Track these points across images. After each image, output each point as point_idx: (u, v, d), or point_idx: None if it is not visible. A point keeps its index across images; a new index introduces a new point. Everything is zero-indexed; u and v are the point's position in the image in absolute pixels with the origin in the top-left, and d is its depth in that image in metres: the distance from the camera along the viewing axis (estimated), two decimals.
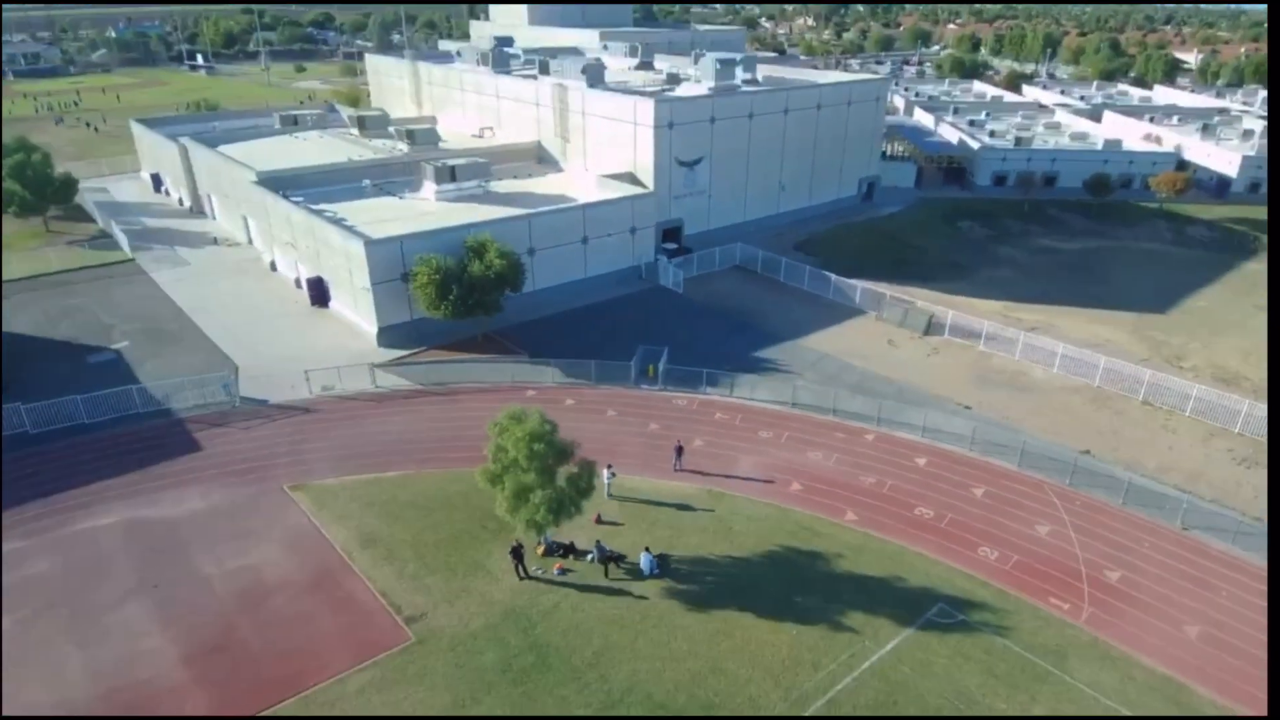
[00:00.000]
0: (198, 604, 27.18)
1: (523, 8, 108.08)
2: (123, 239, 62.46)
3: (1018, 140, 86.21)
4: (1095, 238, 71.26)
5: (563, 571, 28.70)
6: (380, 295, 44.62)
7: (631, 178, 59.49)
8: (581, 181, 60.68)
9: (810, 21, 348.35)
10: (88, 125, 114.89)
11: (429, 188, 55.87)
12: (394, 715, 22.87)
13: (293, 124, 76.35)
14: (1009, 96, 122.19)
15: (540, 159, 67.38)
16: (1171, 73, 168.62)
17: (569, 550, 29.48)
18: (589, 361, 42.54)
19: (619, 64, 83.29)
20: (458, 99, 77.43)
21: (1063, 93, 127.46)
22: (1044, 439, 37.88)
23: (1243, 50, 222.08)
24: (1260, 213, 77.64)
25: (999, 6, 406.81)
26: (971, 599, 27.73)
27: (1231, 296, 59.40)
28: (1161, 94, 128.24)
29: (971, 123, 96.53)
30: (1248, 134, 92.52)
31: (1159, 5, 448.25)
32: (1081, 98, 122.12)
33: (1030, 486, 34.36)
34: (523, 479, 26.28)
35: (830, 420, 39.35)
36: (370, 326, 45.81)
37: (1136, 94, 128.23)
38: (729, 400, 40.93)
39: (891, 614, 26.90)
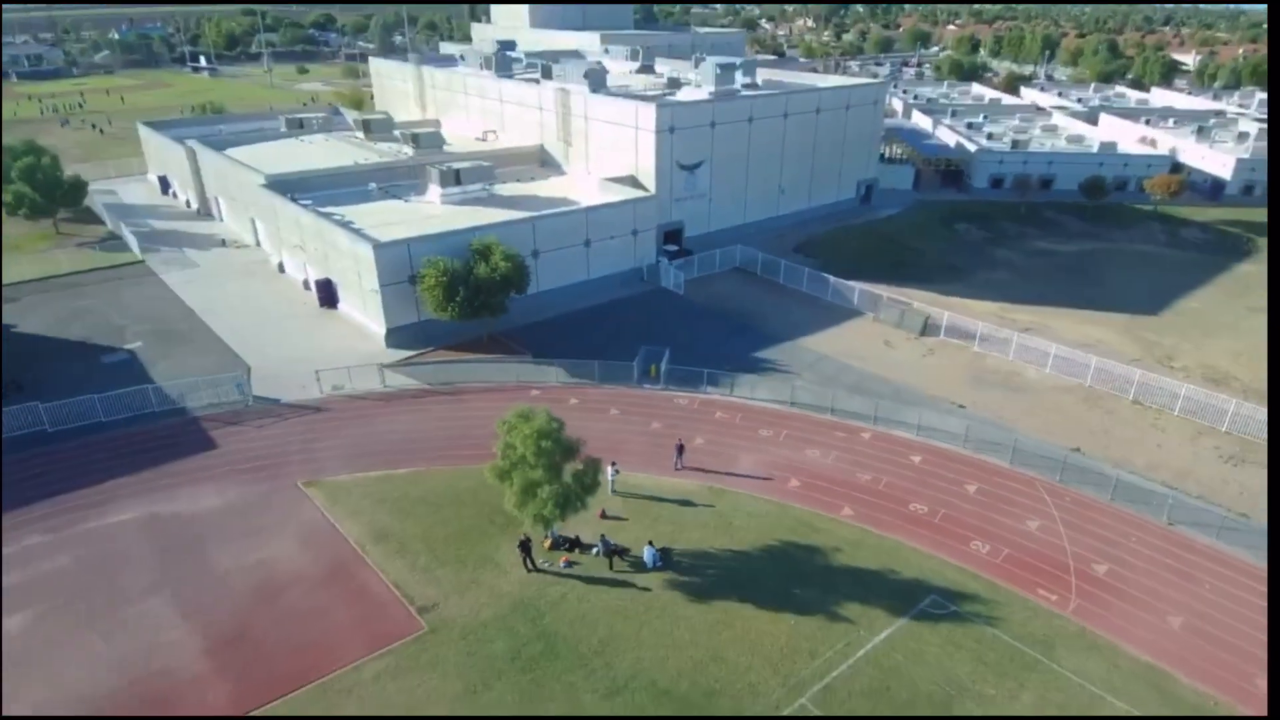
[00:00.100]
0: (217, 596, 28.18)
1: (524, 11, 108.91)
2: (132, 241, 63.45)
3: (1014, 143, 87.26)
4: (1090, 240, 72.26)
5: (569, 564, 29.73)
6: (388, 297, 45.62)
7: (633, 181, 60.51)
8: (584, 185, 61.69)
9: (810, 23, 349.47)
10: (94, 127, 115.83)
11: (434, 191, 56.86)
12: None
13: (298, 127, 77.35)
14: (1007, 99, 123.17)
15: (543, 162, 68.40)
16: (1169, 75, 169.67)
17: (575, 544, 30.50)
18: (592, 362, 43.53)
19: (620, 67, 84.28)
20: (461, 102, 78.45)
21: (1060, 95, 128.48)
22: (1036, 437, 38.91)
23: (1240, 51, 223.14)
24: (1253, 214, 78.70)
25: (998, 7, 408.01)
26: (963, 591, 28.76)
27: (1224, 298, 60.38)
28: (1158, 96, 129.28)
29: (969, 125, 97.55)
30: (1242, 136, 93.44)
31: (1158, 5, 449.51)
32: (1079, 100, 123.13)
33: (1022, 483, 35.37)
34: (531, 475, 27.29)
35: (828, 419, 40.35)
36: (378, 327, 46.82)
37: (1134, 96, 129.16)
38: (729, 400, 41.92)
39: (886, 605, 27.93)
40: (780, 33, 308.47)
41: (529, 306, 49.40)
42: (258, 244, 63.25)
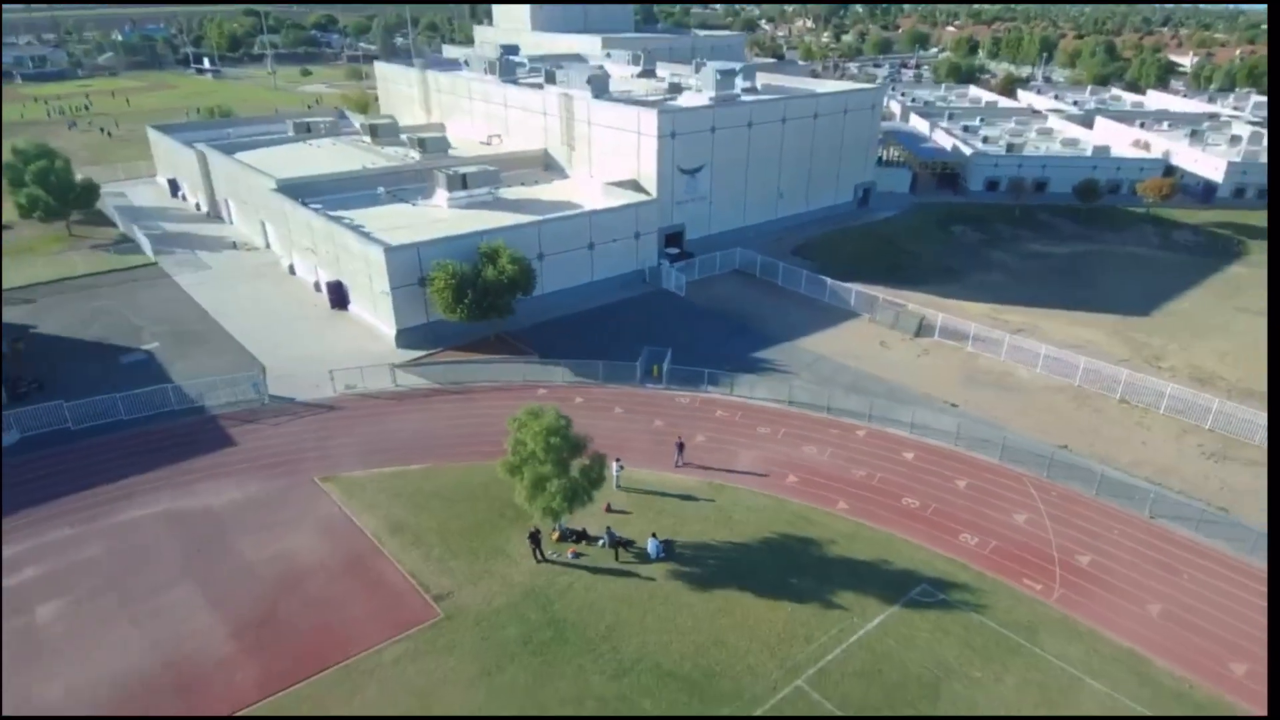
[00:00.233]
0: (241, 585, 29.59)
1: (525, 13, 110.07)
2: (145, 243, 64.81)
3: (1009, 147, 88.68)
4: (1083, 242, 73.64)
5: (576, 555, 31.15)
6: (399, 299, 47.01)
7: (635, 185, 61.91)
8: (587, 188, 63.07)
9: (809, 24, 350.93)
10: (102, 130, 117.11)
11: (441, 195, 58.22)
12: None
13: (306, 131, 78.70)
14: (1004, 102, 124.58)
15: (547, 166, 69.80)
16: (1165, 77, 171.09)
17: (582, 536, 31.90)
18: (597, 362, 44.94)
19: (622, 71, 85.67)
20: (466, 107, 79.85)
21: (1057, 97, 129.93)
22: (1025, 435, 40.32)
23: (1238, 53, 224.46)
24: (1244, 217, 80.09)
25: (997, 8, 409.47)
26: (952, 580, 30.18)
27: (1213, 299, 61.74)
28: (1154, 99, 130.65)
29: (965, 129, 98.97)
30: (1235, 139, 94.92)
31: (1157, 6, 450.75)
32: (1075, 103, 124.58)
33: (1010, 479, 36.80)
34: (540, 470, 28.70)
35: (825, 418, 41.76)
36: (389, 328, 48.21)
37: (1129, 99, 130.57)
38: (729, 399, 43.32)
39: (878, 593, 29.36)
40: (780, 34, 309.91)
41: (535, 308, 50.80)
42: (268, 246, 64.64)
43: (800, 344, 50.48)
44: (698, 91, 72.49)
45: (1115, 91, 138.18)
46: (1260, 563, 32.03)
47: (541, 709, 24.56)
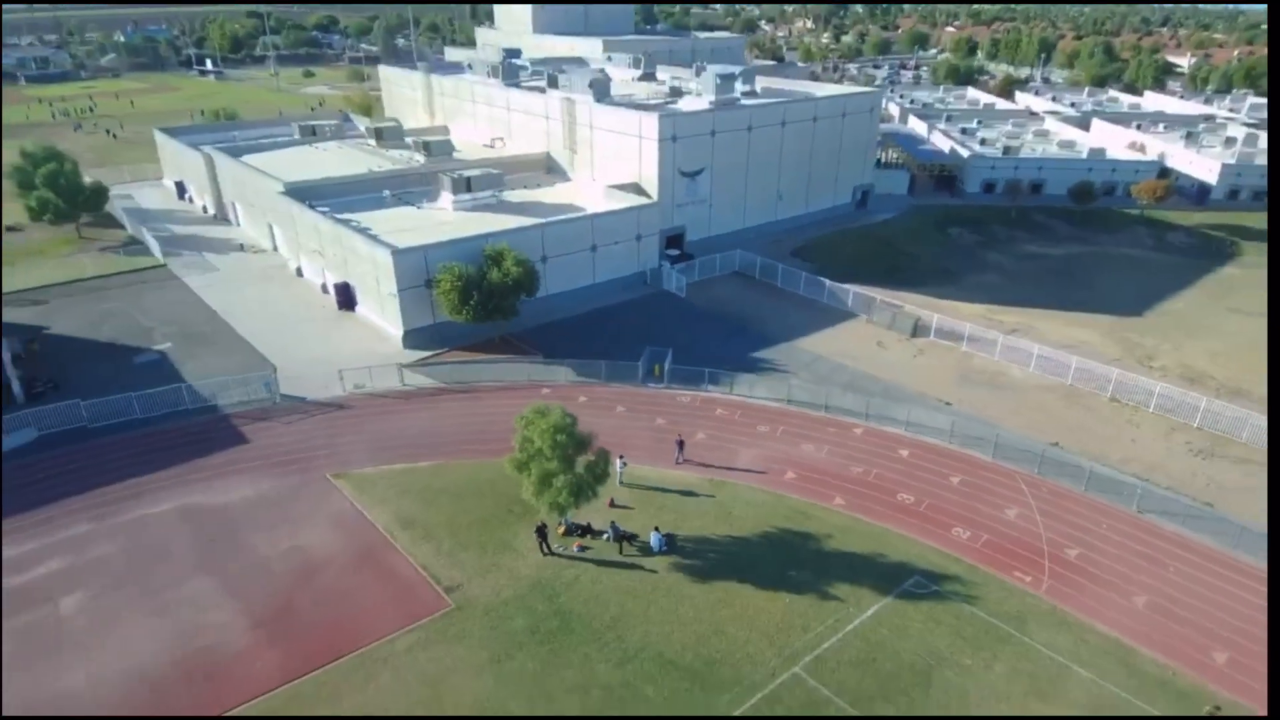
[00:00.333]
0: (258, 577, 30.61)
1: (527, 16, 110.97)
2: (154, 245, 65.82)
3: (1006, 149, 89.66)
4: (1079, 243, 74.67)
5: (582, 549, 32.18)
6: (406, 300, 48.04)
7: (636, 188, 62.94)
8: (589, 191, 64.10)
9: (809, 24, 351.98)
10: (108, 132, 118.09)
11: (446, 198, 59.26)
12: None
13: (311, 134, 79.65)
14: (1001, 104, 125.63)
15: (549, 169, 70.82)
16: (1162, 78, 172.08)
17: (587, 530, 32.94)
18: (599, 362, 45.97)
19: (622, 75, 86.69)
20: (469, 110, 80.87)
21: (1054, 100, 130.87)
22: (1018, 433, 41.35)
23: (1236, 54, 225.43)
24: (1237, 219, 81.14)
25: (997, 8, 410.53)
26: (945, 573, 31.21)
27: (1206, 300, 62.77)
28: (1151, 100, 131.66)
29: (963, 131, 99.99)
30: (1230, 141, 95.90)
31: (1156, 6, 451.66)
32: (1072, 104, 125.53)
33: (1002, 475, 37.83)
34: (547, 466, 29.74)
35: (822, 416, 42.78)
36: (396, 329, 49.24)
37: (1126, 101, 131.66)
38: (729, 398, 44.34)
39: (873, 585, 30.40)
40: (780, 34, 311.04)
41: (538, 309, 51.82)
42: (275, 249, 65.66)
43: (799, 344, 51.48)
44: (698, 95, 73.50)
45: (1112, 93, 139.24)
46: (1244, 556, 33.05)
47: (549, 696, 25.59)
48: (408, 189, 62.69)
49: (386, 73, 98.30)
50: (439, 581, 30.15)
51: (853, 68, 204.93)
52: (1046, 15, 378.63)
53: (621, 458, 36.10)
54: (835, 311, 56.53)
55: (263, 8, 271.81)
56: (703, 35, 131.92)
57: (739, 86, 73.43)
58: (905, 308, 55.40)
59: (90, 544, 32.74)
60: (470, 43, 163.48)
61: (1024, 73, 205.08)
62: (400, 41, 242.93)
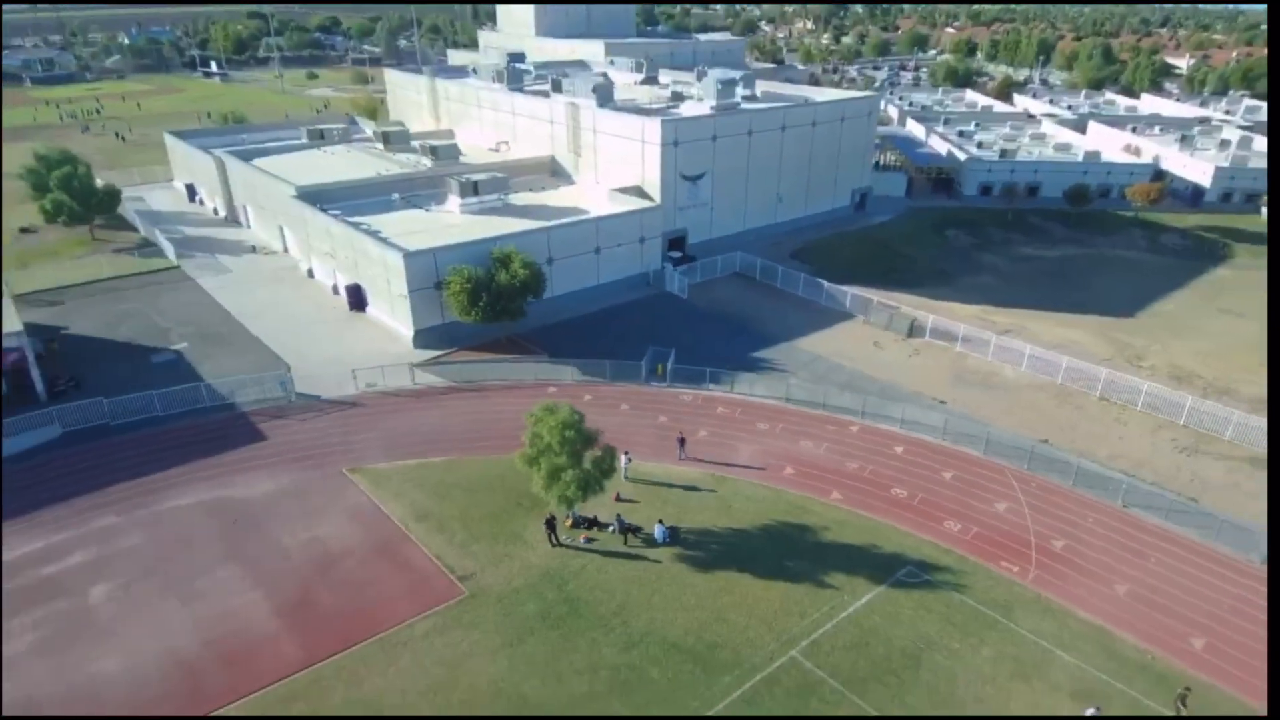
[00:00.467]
0: (280, 567, 32.07)
1: (529, 18, 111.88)
2: (168, 247, 67.24)
3: (1003, 152, 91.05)
4: (1074, 245, 76.08)
5: (589, 540, 33.67)
6: (416, 301, 49.47)
7: (639, 191, 64.38)
8: (593, 194, 65.54)
9: (809, 25, 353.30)
10: (117, 135, 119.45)
11: (454, 201, 60.70)
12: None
13: (319, 138, 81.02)
14: (999, 106, 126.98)
15: (554, 172, 72.25)
16: (1159, 81, 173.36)
17: (594, 522, 34.40)
18: (604, 361, 47.40)
19: (625, 79, 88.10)
20: (474, 114, 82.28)
21: (1051, 102, 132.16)
22: (1009, 430, 42.76)
23: (1234, 55, 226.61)
24: (1230, 221, 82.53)
25: (997, 8, 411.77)
26: (936, 563, 32.66)
27: (1198, 301, 64.19)
28: (1148, 103, 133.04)
29: (961, 134, 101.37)
30: (1224, 144, 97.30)
31: (1156, 6, 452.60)
32: (1069, 107, 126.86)
33: (993, 471, 39.28)
34: (556, 461, 31.17)
35: (820, 414, 44.21)
36: (406, 330, 50.67)
37: (1123, 103, 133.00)
38: (730, 396, 45.77)
39: (867, 575, 31.85)
40: (780, 35, 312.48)
41: (544, 310, 53.22)
42: (286, 251, 67.09)
43: (798, 344, 52.90)
44: (699, 100, 74.91)
45: (1109, 95, 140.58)
46: (1225, 548, 34.47)
47: (559, 677, 27.03)
48: (415, 192, 64.12)
49: (392, 76, 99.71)
50: (453, 571, 31.61)
51: (852, 70, 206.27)
52: (1046, 16, 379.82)
53: (626, 454, 37.53)
54: (833, 312, 57.94)
55: (266, 8, 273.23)
56: (704, 38, 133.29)
57: (739, 91, 74.82)
58: (902, 309, 56.81)
59: (117, 535, 34.16)
60: (472, 44, 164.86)
61: (1023, 74, 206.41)
62: (403, 43, 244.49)
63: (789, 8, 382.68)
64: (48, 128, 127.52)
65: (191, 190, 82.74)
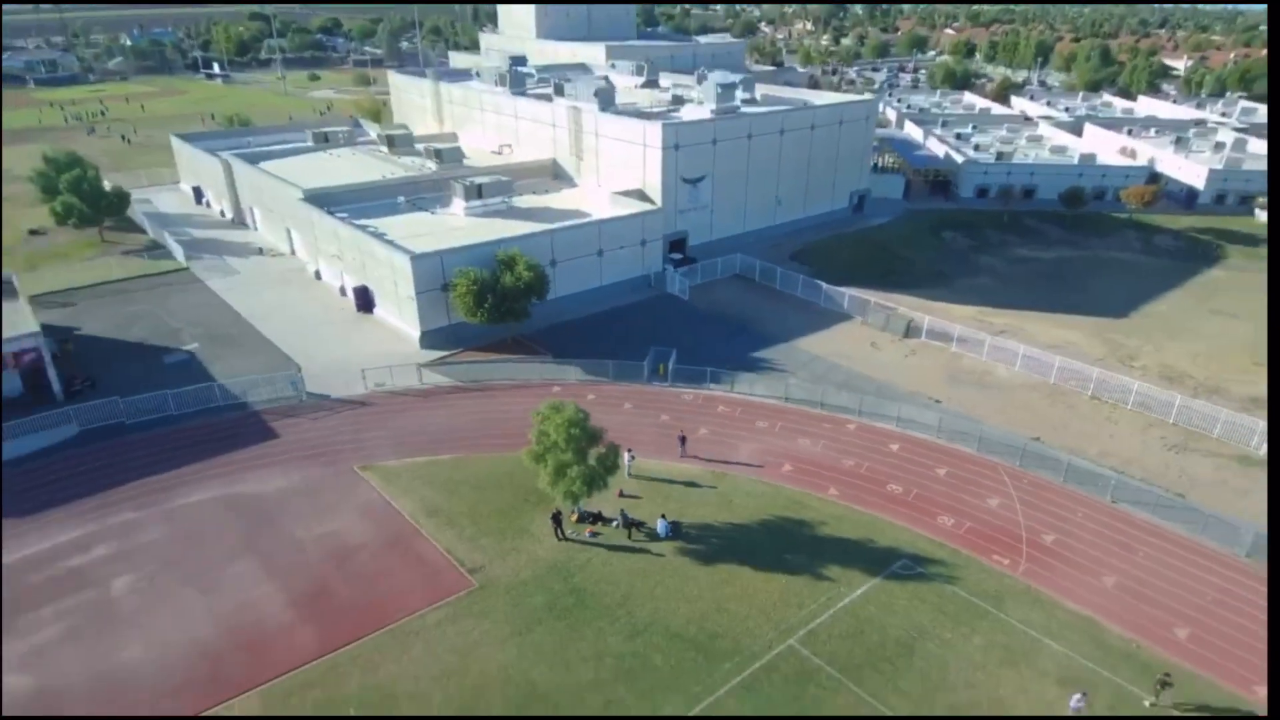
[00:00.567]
0: (295, 560, 33.16)
1: (530, 21, 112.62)
2: (177, 249, 68.31)
3: (999, 155, 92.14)
4: (1069, 247, 77.12)
5: (594, 534, 34.78)
6: (423, 303, 50.56)
7: (640, 194, 65.50)
8: (594, 197, 66.64)
9: (809, 26, 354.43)
10: (122, 138, 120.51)
11: (458, 204, 61.82)
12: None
13: (324, 141, 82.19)
14: (996, 109, 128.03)
15: (556, 175, 73.36)
16: (1157, 82, 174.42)
17: (598, 517, 35.50)
18: (607, 361, 48.51)
19: (626, 82, 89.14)
20: (477, 117, 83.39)
21: (1049, 104, 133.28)
22: (1002, 428, 43.85)
23: (1232, 56, 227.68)
24: (1224, 222, 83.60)
25: (996, 9, 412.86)
26: (929, 556, 33.76)
27: (1191, 302, 65.19)
28: (1144, 105, 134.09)
29: (958, 136, 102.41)
30: (1219, 146, 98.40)
31: (1156, 6, 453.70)
32: (1066, 109, 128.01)
33: (986, 468, 40.37)
34: (562, 458, 32.27)
35: (818, 413, 45.31)
36: (413, 331, 51.76)
37: (1120, 105, 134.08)
38: (730, 395, 46.86)
39: (863, 567, 32.95)
40: (779, 36, 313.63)
41: (548, 311, 54.28)
42: (293, 252, 68.16)
43: (796, 345, 53.98)
44: (699, 104, 76.01)
45: (1106, 98, 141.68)
46: (1211, 543, 35.52)
47: (567, 664, 28.11)
48: (420, 195, 65.20)
49: (396, 80, 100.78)
50: (463, 564, 32.71)
51: (851, 71, 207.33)
52: (1045, 17, 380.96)
53: (630, 451, 38.60)
54: (831, 313, 59.02)
55: (267, 8, 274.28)
56: (704, 40, 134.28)
57: (739, 95, 75.94)
58: (898, 310, 57.90)
59: (137, 530, 35.25)
60: (473, 45, 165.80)
61: (1021, 76, 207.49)
62: (404, 45, 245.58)
63: (789, 8, 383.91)
64: (52, 130, 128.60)
65: (198, 193, 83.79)
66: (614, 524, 35.14)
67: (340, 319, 56.58)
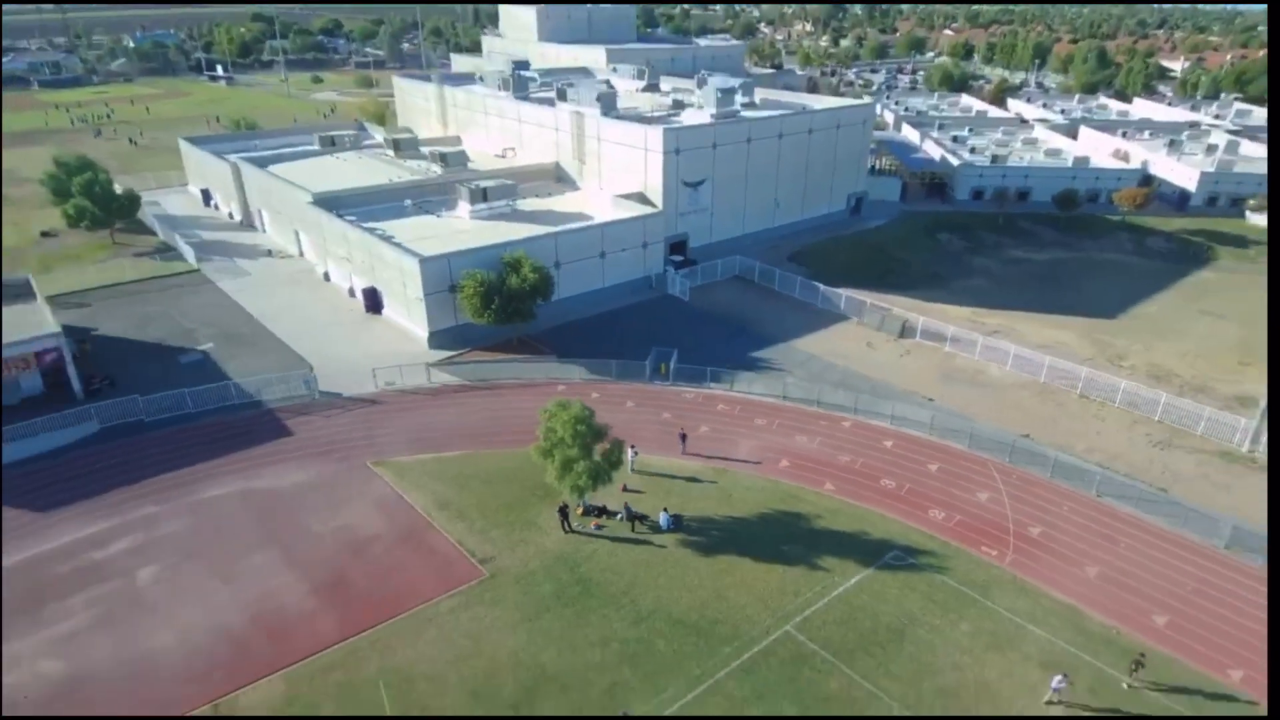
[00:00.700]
0: (313, 551, 34.61)
1: (531, 23, 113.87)
2: (188, 251, 69.75)
3: (994, 157, 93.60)
4: (1062, 249, 78.54)
5: (599, 527, 36.25)
6: (431, 304, 52.00)
7: (641, 197, 66.96)
8: (597, 200, 68.09)
9: (808, 27, 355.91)
10: (129, 140, 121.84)
11: (464, 207, 63.25)
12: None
13: (330, 144, 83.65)
14: (993, 111, 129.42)
15: (559, 178, 74.80)
16: (1153, 84, 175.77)
17: (603, 511, 36.98)
18: (610, 361, 49.98)
19: (627, 85, 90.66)
20: (481, 121, 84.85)
21: (1045, 106, 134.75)
22: (993, 426, 45.31)
23: (1229, 57, 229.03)
24: (1215, 224, 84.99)
25: (995, 9, 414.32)
26: (920, 548, 35.24)
27: (1181, 303, 66.60)
28: (1139, 107, 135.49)
29: (954, 139, 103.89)
30: (1211, 149, 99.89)
31: (1155, 6, 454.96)
32: (1062, 111, 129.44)
33: (976, 463, 41.85)
34: (568, 453, 33.75)
35: (815, 410, 46.78)
36: (422, 331, 53.20)
37: (1115, 108, 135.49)
38: (730, 394, 48.33)
39: (856, 558, 34.42)
40: (779, 37, 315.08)
41: (552, 312, 55.73)
42: (301, 254, 69.58)
43: (794, 345, 55.45)
44: (699, 108, 77.48)
45: (1102, 100, 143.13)
46: (1192, 535, 36.98)
47: (574, 648, 29.58)
48: (426, 198, 66.61)
49: (400, 83, 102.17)
50: (474, 554, 34.18)
51: (850, 73, 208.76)
52: (1044, 18, 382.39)
53: (633, 447, 40.07)
54: (828, 314, 60.47)
55: (268, 8, 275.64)
56: (704, 43, 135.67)
57: (739, 99, 77.42)
58: (894, 310, 59.36)
59: (159, 523, 36.69)
60: (474, 47, 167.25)
61: (1018, 78, 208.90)
62: (405, 46, 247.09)
63: (788, 9, 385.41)
64: (59, 132, 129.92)
65: (207, 195, 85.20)
66: (618, 517, 36.60)
67: (349, 319, 58.02)
